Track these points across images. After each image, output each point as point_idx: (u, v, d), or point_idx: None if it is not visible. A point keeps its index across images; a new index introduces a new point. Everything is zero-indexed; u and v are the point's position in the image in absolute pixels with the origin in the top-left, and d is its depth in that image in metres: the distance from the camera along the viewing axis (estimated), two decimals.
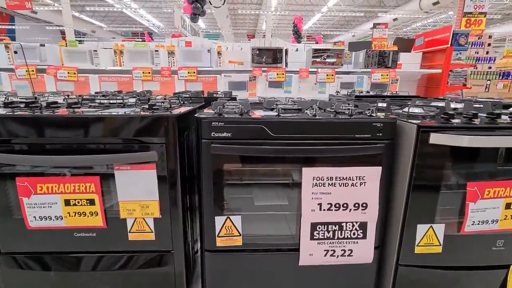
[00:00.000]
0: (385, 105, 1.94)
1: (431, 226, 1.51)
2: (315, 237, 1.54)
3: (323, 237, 1.55)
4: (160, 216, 1.47)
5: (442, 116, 1.47)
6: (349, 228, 1.55)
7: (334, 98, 3.41)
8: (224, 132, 1.37)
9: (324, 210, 1.51)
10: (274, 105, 1.79)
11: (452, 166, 1.44)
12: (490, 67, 8.37)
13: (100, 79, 4.42)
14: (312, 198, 1.49)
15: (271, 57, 4.54)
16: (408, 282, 1.60)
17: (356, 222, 1.54)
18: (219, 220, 1.50)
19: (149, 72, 4.39)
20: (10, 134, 1.33)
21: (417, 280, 1.60)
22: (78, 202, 1.42)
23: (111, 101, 1.67)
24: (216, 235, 1.52)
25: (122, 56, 4.64)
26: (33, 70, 4.36)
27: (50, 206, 1.42)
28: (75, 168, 1.41)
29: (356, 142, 1.42)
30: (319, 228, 1.54)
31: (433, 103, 1.93)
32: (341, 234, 1.55)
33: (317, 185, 1.48)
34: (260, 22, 19.84)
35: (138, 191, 1.43)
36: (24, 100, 1.56)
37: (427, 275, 1.59)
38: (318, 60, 4.61)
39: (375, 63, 4.62)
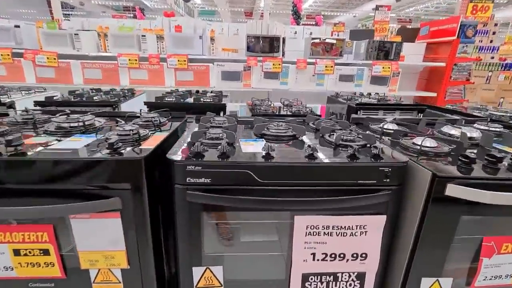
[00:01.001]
0: (391, 127, 1.73)
1: (437, 280, 1.34)
2: None
3: None
4: (128, 267, 1.26)
5: (460, 158, 1.25)
6: (345, 278, 1.37)
7: (333, 100, 3.18)
8: (202, 178, 1.14)
9: (318, 260, 1.32)
10: (265, 129, 1.57)
11: (467, 218, 1.24)
12: (492, 57, 8.09)
13: (83, 65, 4.08)
14: (305, 248, 1.30)
15: (268, 44, 4.22)
16: None
17: (353, 273, 1.36)
18: (197, 271, 1.30)
19: (135, 60, 4.04)
20: None
21: None
22: (30, 252, 1.21)
23: (72, 125, 1.41)
24: (194, 286, 1.33)
25: (107, 40, 4.26)
26: (8, 54, 4.00)
27: None
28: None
29: (359, 189, 1.21)
30: (312, 279, 1.35)
31: (445, 129, 1.71)
32: (335, 285, 1.37)
33: (311, 234, 1.27)
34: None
35: (101, 241, 1.21)
36: None
37: None
38: (317, 41, 4.29)
39: (375, 49, 4.33)
